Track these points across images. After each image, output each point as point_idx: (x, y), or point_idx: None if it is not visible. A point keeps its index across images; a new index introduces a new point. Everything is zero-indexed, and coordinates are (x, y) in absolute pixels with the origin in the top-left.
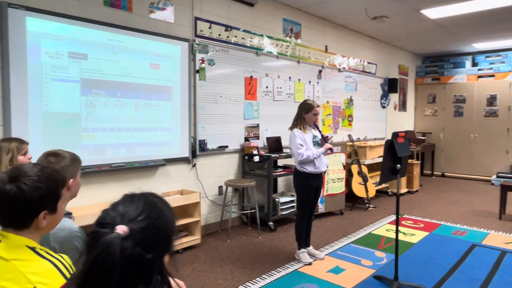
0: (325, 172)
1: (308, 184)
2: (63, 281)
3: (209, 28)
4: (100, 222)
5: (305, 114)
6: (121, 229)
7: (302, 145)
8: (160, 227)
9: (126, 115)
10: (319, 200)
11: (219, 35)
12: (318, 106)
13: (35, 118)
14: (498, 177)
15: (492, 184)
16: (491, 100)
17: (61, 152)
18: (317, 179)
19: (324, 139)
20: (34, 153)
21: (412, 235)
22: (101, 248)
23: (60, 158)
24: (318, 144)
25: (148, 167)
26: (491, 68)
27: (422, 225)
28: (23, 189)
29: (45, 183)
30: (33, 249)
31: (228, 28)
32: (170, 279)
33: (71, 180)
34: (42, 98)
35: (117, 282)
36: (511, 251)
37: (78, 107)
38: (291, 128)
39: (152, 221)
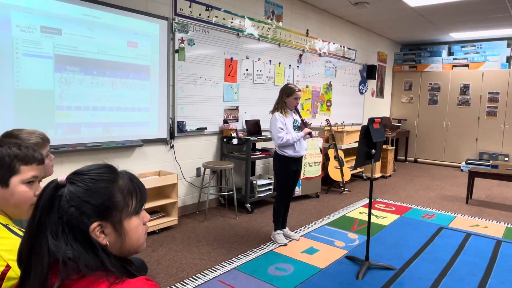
0: (304, 156)
1: (288, 167)
2: None
3: (189, 7)
4: None
5: (286, 98)
6: (60, 178)
7: (282, 129)
8: (96, 191)
9: (102, 94)
10: None
11: (200, 14)
12: (300, 90)
13: (6, 95)
14: (467, 163)
15: (462, 170)
16: (464, 89)
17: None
18: (297, 162)
19: (304, 124)
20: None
21: (384, 218)
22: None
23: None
24: (298, 128)
25: (124, 148)
26: (465, 58)
27: (393, 209)
28: None
29: None
30: (5, 226)
31: (208, 7)
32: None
33: None
34: (13, 74)
35: (42, 220)
36: (476, 233)
37: (52, 84)
38: (272, 112)
39: (91, 180)
